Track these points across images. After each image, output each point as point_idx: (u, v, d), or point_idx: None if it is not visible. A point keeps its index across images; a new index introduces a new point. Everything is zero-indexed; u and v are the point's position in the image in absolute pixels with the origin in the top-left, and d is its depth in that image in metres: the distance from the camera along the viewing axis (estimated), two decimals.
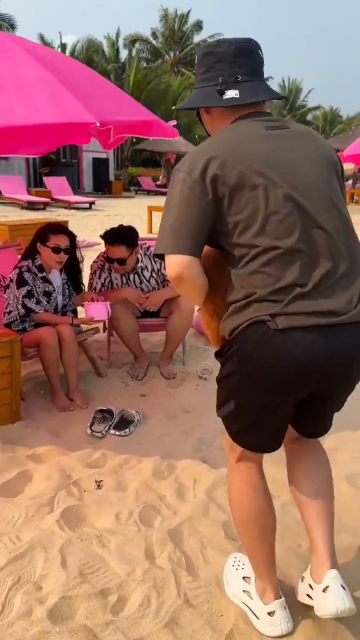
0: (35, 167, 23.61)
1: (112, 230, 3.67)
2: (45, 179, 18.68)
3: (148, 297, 3.70)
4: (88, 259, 5.47)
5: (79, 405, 3.43)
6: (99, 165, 24.13)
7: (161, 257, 1.57)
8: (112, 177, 24.82)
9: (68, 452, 2.88)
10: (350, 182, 23.92)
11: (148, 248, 3.90)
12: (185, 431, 3.12)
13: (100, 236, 3.68)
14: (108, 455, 2.86)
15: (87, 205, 17.16)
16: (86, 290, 3.81)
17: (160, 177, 28.82)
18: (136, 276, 3.84)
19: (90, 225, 12.91)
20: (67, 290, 3.64)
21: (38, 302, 3.43)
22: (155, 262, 3.86)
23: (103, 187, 23.59)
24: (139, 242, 3.77)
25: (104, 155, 24.30)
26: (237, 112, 1.58)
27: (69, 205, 16.74)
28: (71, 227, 11.70)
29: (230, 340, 1.55)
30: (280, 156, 1.47)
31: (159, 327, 4.18)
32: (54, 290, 3.53)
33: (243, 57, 1.54)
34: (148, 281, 3.86)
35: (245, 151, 1.45)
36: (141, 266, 3.83)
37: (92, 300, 3.52)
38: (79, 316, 3.69)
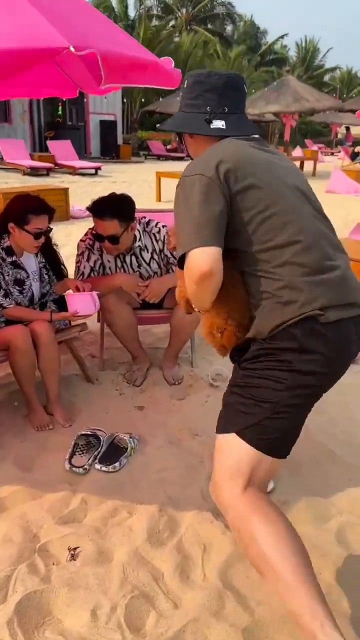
0: (41, 130, 22.58)
1: (101, 200, 2.89)
2: (49, 143, 17.69)
3: (148, 286, 2.95)
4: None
5: (60, 422, 2.74)
6: (107, 128, 22.99)
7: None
8: (120, 141, 23.70)
9: (39, 496, 2.20)
10: None
11: (148, 223, 3.13)
12: (192, 465, 2.42)
13: (87, 208, 2.92)
14: (90, 502, 2.17)
15: (92, 171, 16.23)
16: (73, 276, 3.07)
17: (171, 141, 27.60)
18: (133, 258, 3.08)
19: (95, 192, 12.05)
20: (45, 276, 2.90)
21: (7, 295, 2.70)
22: (157, 241, 3.10)
23: (111, 151, 22.50)
24: (137, 215, 3.01)
25: (112, 118, 23.17)
26: (220, 138, 1.64)
27: (73, 171, 15.83)
28: (74, 194, 10.93)
29: (270, 339, 1.51)
30: (275, 162, 1.58)
31: (162, 320, 3.44)
32: (28, 276, 2.80)
33: (231, 91, 1.63)
34: (148, 264, 3.11)
35: (247, 155, 1.54)
36: (139, 246, 3.07)
37: (76, 289, 2.78)
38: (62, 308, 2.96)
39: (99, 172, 16.22)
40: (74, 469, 2.33)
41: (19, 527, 2.02)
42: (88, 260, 3.03)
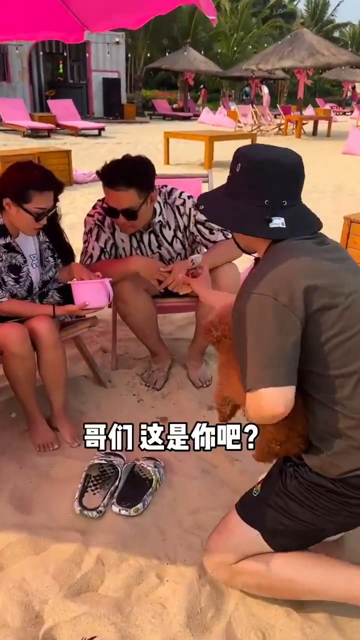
0: (41, 89, 21.57)
1: (114, 164, 2.27)
2: (50, 103, 16.78)
3: (171, 271, 2.39)
4: (88, 201, 4.13)
5: (67, 440, 2.24)
6: (110, 86, 21.89)
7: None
8: (124, 100, 22.63)
9: (41, 550, 1.72)
10: None
11: (170, 192, 2.54)
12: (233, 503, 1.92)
13: (97, 173, 2.34)
14: (108, 560, 1.68)
15: (96, 132, 15.41)
16: (77, 260, 2.52)
17: (177, 100, 26.46)
18: (152, 237, 2.52)
19: (99, 154, 11.33)
20: (49, 259, 2.35)
21: (0, 285, 2.17)
22: (181, 216, 2.53)
23: (114, 111, 21.48)
24: (156, 183, 2.43)
25: (115, 76, 22.05)
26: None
27: (75, 132, 15.02)
28: (77, 157, 10.19)
29: (338, 481, 1.34)
30: (345, 268, 1.40)
31: (185, 309, 2.91)
32: (25, 261, 2.25)
33: (292, 182, 1.40)
34: (170, 244, 2.55)
35: (322, 270, 1.33)
36: (160, 221, 2.50)
37: (84, 277, 2.24)
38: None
39: (103, 132, 15.42)
40: (85, 512, 1.83)
41: (17, 603, 1.53)
42: (97, 239, 2.47)
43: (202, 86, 32.69)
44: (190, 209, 2.49)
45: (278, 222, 1.36)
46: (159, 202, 2.47)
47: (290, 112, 18.93)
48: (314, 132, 17.64)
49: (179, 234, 2.54)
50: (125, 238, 2.50)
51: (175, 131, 11.36)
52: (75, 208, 6.33)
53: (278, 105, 20.84)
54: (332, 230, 5.67)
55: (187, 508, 1.90)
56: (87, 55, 21.36)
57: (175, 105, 25.84)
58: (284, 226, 1.36)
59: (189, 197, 2.53)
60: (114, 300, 2.49)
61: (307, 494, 1.38)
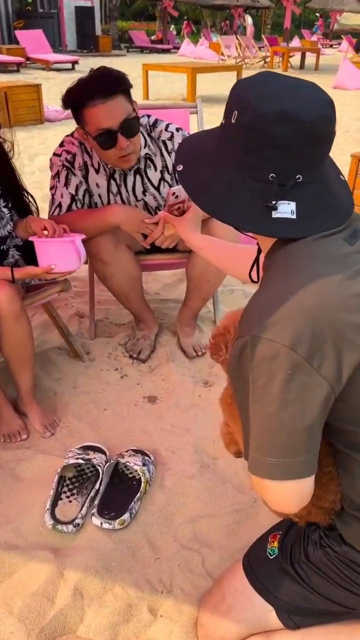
0: (9, 19, 19.95)
1: (85, 80, 1.80)
2: (18, 34, 15.50)
3: (159, 222, 1.95)
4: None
5: (37, 429, 1.88)
6: (83, 16, 20.32)
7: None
8: (98, 32, 21.14)
9: (4, 579, 1.38)
10: None
11: (154, 124, 2.08)
12: (240, 508, 1.59)
13: (64, 100, 1.85)
14: (87, 591, 1.35)
15: (69, 66, 14.34)
16: (47, 211, 2.06)
17: (156, 31, 24.86)
18: (137, 179, 2.08)
19: None
20: (3, 209, 1.90)
21: None
22: (168, 153, 2.08)
23: (88, 43, 20.05)
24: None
25: (88, 4, 20.45)
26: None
27: (47, 66, 13.94)
28: (49, 93, 9.37)
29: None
30: None
31: (174, 266, 2.51)
32: None
33: (313, 146, 0.86)
34: (157, 189, 2.11)
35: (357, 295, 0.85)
36: (148, 155, 2.06)
37: (48, 232, 1.81)
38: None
39: (76, 67, 14.38)
40: (59, 526, 1.49)
41: None
42: (67, 184, 2.02)
43: (185, 18, 30.80)
44: (180, 143, 2.04)
45: (285, 209, 0.88)
46: (142, 133, 2.02)
47: (276, 43, 17.86)
48: (302, 66, 16.69)
49: (167, 176, 2.10)
50: (101, 182, 2.05)
51: (155, 63, 10.52)
52: (47, 148, 5.76)
53: (263, 36, 19.63)
54: None
55: (183, 515, 1.56)
56: None
57: (153, 37, 24.31)
58: (294, 216, 0.88)
59: (177, 129, 2.08)
60: (90, 259, 2.08)
61: (338, 569, 1.03)
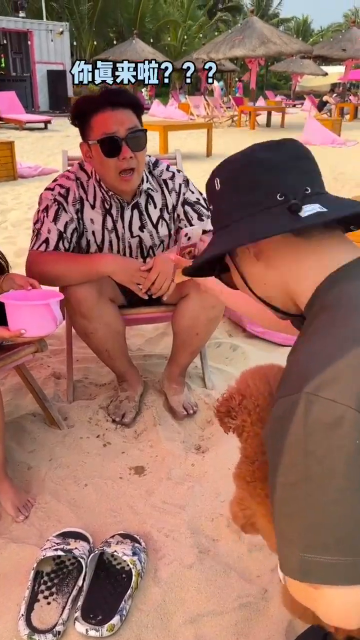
0: None
1: (100, 90, 1.78)
2: None
3: (152, 268, 1.79)
4: (34, 196, 3.52)
5: (9, 512, 1.62)
6: (55, 79, 20.88)
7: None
8: (71, 94, 21.71)
9: None
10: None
11: (156, 163, 2.00)
12: (250, 601, 1.35)
13: (72, 110, 1.81)
14: None
15: (42, 125, 14.54)
16: (19, 269, 1.89)
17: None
18: (136, 214, 1.94)
19: (46, 148, 10.58)
20: None
21: None
22: (169, 192, 1.98)
23: (60, 104, 20.50)
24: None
25: (60, 67, 21.07)
26: (310, 251, 0.84)
27: (20, 126, 14.11)
28: (22, 150, 9.35)
29: None
30: None
31: (160, 319, 2.34)
32: None
33: (301, 162, 0.87)
34: (155, 227, 1.97)
35: None
36: (150, 189, 1.94)
37: (22, 286, 1.63)
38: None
39: (49, 126, 14.60)
40: (36, 636, 1.23)
41: None
42: (55, 220, 1.85)
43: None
44: (180, 184, 1.98)
45: (313, 207, 0.81)
46: (144, 171, 1.92)
47: (242, 103, 18.54)
48: (268, 124, 17.30)
49: (166, 215, 1.99)
50: (97, 218, 1.90)
51: None
52: (21, 204, 5.66)
53: (230, 97, 20.41)
54: None
55: (183, 614, 1.32)
56: (29, 44, 20.36)
57: None
58: (324, 209, 0.81)
59: (178, 170, 2.02)
60: (70, 314, 1.90)
61: None
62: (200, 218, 1.96)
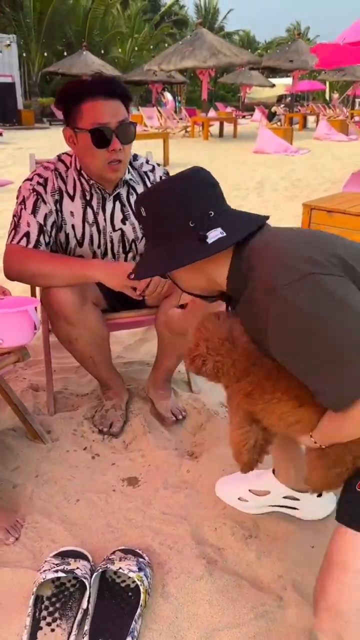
0: None
1: (93, 78, 1.71)
2: None
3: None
4: None
5: None
6: (4, 91, 20.62)
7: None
8: (20, 106, 21.46)
9: None
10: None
11: (135, 157, 1.94)
12: (264, 611, 1.29)
13: (59, 94, 1.71)
14: None
15: None
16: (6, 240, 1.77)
17: None
18: (117, 205, 1.86)
19: None
20: None
21: None
22: (151, 184, 1.90)
23: (11, 117, 20.27)
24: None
25: (9, 80, 20.84)
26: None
27: None
28: None
29: None
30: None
31: (143, 324, 2.26)
32: None
33: (206, 189, 1.14)
34: (137, 219, 1.88)
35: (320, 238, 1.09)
36: (131, 180, 1.87)
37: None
38: None
39: (0, 138, 14.31)
40: None
41: None
42: (34, 212, 1.75)
43: None
44: (161, 176, 1.92)
45: (215, 233, 1.09)
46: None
47: (195, 114, 18.72)
48: (221, 134, 17.51)
49: None
50: (77, 210, 1.81)
51: None
52: None
53: (182, 108, 20.59)
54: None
55: (197, 630, 1.24)
56: None
57: None
58: (224, 234, 1.09)
59: (157, 164, 1.95)
60: (53, 320, 1.80)
61: None
62: None
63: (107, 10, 29.08)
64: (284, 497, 1.54)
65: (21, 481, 1.72)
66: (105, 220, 1.85)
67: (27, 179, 1.80)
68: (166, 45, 30.47)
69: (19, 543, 1.49)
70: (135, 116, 19.32)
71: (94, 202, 1.82)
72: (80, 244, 1.85)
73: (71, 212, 1.81)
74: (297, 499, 1.54)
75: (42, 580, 1.27)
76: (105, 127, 1.63)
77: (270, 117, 21.78)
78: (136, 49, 32.58)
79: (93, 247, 1.86)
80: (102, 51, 27.21)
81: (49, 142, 14.06)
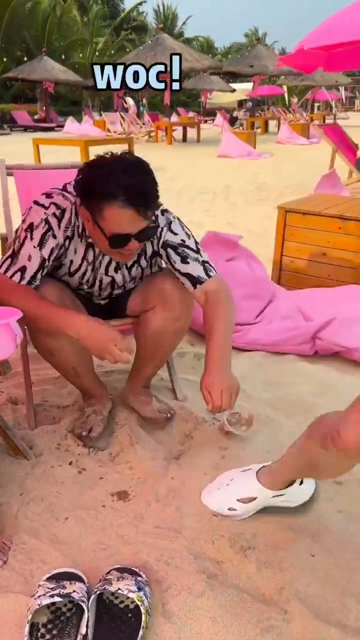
0: None
1: (130, 177, 1.48)
2: None
3: (213, 388, 1.63)
4: None
5: None
6: None
7: None
8: None
9: None
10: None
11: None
12: (269, 625, 1.25)
13: (83, 185, 1.54)
14: None
15: None
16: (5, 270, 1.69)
17: (38, 111, 25.23)
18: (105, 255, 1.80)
19: None
20: None
21: None
22: (150, 240, 1.79)
23: None
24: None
25: None
26: None
27: None
28: None
29: None
30: None
31: (125, 333, 2.20)
32: None
33: None
34: (129, 270, 1.85)
35: None
36: None
37: None
38: None
39: None
40: None
41: None
42: (41, 245, 1.64)
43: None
44: (162, 227, 1.76)
45: None
46: None
47: (157, 119, 18.73)
48: (184, 139, 17.57)
49: (143, 262, 1.86)
50: (80, 248, 1.73)
51: (46, 138, 10.47)
52: None
53: (145, 113, 20.58)
54: (236, 228, 5.26)
55: None
56: None
57: (37, 117, 24.60)
58: None
59: (162, 212, 1.78)
60: (33, 333, 1.73)
61: None
62: (184, 261, 1.75)
63: (64, 14, 28.89)
64: (272, 497, 1.53)
65: (5, 500, 1.64)
66: (101, 265, 1.79)
67: (40, 204, 1.66)
68: (127, 50, 30.44)
69: (8, 566, 1.41)
70: (99, 122, 19.24)
71: (97, 248, 1.74)
72: (71, 274, 1.79)
73: (75, 250, 1.73)
74: (284, 494, 1.52)
75: (38, 607, 1.20)
76: (125, 235, 1.54)
77: (232, 121, 21.98)
78: (97, 54, 32.45)
79: (82, 280, 1.81)
80: (63, 57, 26.98)
81: (12, 148, 13.83)
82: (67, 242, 1.70)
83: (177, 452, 1.88)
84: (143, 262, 1.86)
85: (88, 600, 1.24)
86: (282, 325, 2.57)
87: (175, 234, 1.77)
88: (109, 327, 1.61)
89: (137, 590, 1.25)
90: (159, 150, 14.29)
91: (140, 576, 1.32)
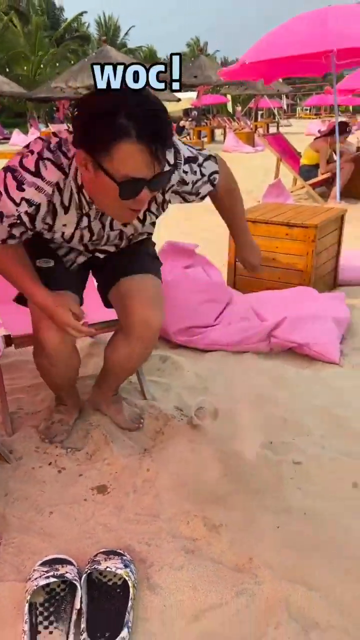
0: None
1: (150, 110, 1.27)
2: None
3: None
4: None
5: None
6: None
7: None
8: None
9: None
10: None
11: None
12: (243, 588, 1.41)
13: (82, 108, 1.32)
14: None
15: None
16: None
17: None
18: (105, 215, 1.63)
19: None
20: None
21: None
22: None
23: None
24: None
25: None
26: None
27: None
28: None
29: None
30: None
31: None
32: None
33: None
34: (141, 221, 1.75)
35: None
36: None
37: None
38: None
39: None
40: None
41: None
42: (12, 226, 1.53)
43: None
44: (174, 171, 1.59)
45: None
46: None
47: None
48: None
49: (153, 207, 1.70)
50: (70, 220, 1.59)
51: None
52: None
53: None
54: (192, 237, 5.45)
55: (185, 615, 1.35)
56: None
57: None
58: None
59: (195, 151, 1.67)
60: (35, 353, 1.85)
61: None
62: (196, 193, 1.70)
63: (5, 28, 28.65)
64: None
65: None
66: (103, 225, 1.67)
67: (15, 191, 1.44)
68: (71, 62, 30.42)
69: (0, 559, 1.52)
70: (46, 133, 19.18)
71: (92, 213, 1.59)
72: (68, 241, 1.71)
73: (64, 224, 1.59)
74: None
75: (35, 588, 1.32)
76: (139, 180, 1.32)
77: (179, 131, 22.33)
78: (41, 66, 32.27)
79: (83, 242, 1.72)
80: (7, 69, 26.70)
81: None
82: (48, 226, 1.59)
83: (150, 447, 2.03)
84: (153, 207, 1.70)
85: (80, 580, 1.37)
86: (239, 326, 2.76)
87: (186, 172, 1.61)
88: (66, 314, 1.60)
89: (123, 567, 1.40)
90: None
91: (125, 556, 1.46)
